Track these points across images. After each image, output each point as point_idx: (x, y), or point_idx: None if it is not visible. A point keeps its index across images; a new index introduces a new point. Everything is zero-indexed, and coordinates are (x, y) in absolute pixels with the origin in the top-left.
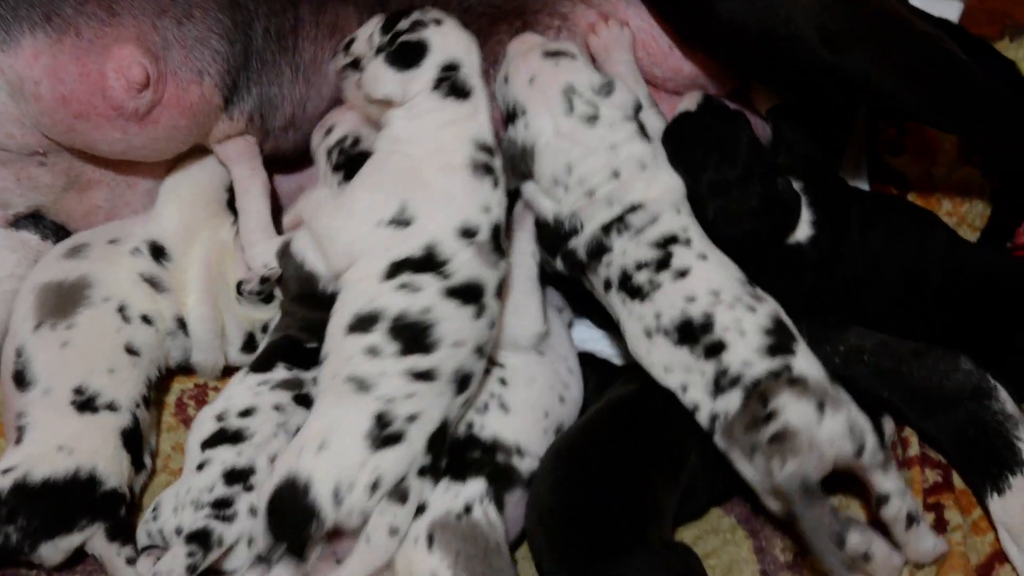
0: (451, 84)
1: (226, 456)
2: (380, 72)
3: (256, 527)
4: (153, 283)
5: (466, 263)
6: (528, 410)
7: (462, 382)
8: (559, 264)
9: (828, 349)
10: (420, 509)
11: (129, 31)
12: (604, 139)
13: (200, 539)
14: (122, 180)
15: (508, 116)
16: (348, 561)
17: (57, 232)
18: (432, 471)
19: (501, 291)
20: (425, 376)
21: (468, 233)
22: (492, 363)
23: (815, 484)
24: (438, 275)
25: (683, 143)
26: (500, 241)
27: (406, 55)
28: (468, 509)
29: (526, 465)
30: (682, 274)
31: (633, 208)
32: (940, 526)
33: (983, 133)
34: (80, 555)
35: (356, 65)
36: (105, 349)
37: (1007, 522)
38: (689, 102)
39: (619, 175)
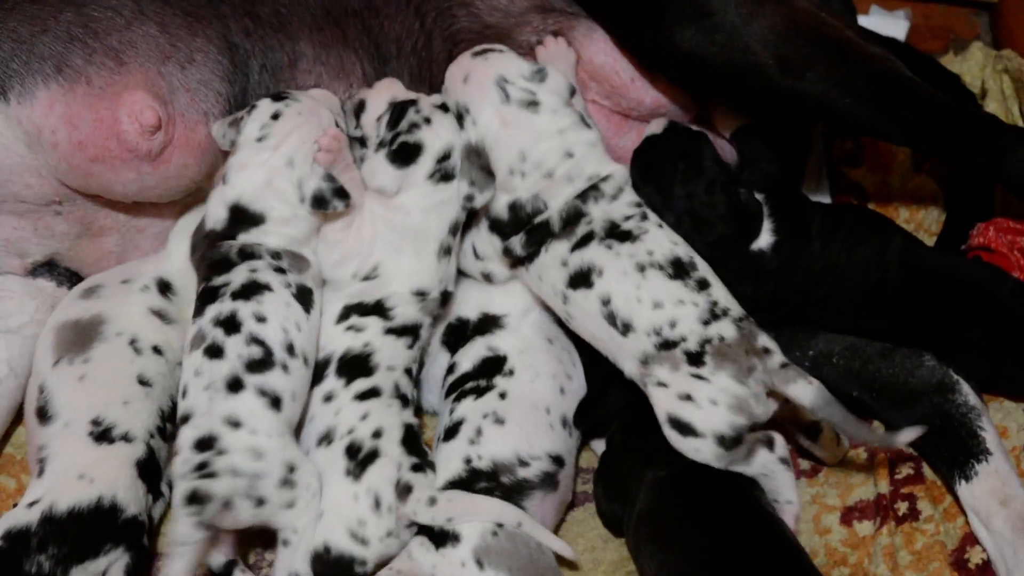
0: (442, 173)
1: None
2: (380, 167)
3: None
4: (161, 316)
5: (407, 312)
6: (528, 413)
7: (403, 399)
8: (517, 243)
9: (798, 354)
10: (456, 539)
11: (137, 78)
12: (551, 124)
13: (194, 499)
14: (132, 226)
15: (458, 118)
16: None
17: (71, 278)
18: (427, 465)
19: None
20: (370, 394)
21: (421, 294)
22: (495, 372)
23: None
24: (381, 317)
25: (652, 162)
26: (446, 299)
27: (404, 154)
28: (500, 525)
29: (533, 470)
30: (660, 225)
31: (603, 178)
32: (913, 516)
33: (931, 145)
34: None
35: (363, 142)
36: (119, 381)
37: (975, 506)
38: (655, 126)
39: (572, 155)
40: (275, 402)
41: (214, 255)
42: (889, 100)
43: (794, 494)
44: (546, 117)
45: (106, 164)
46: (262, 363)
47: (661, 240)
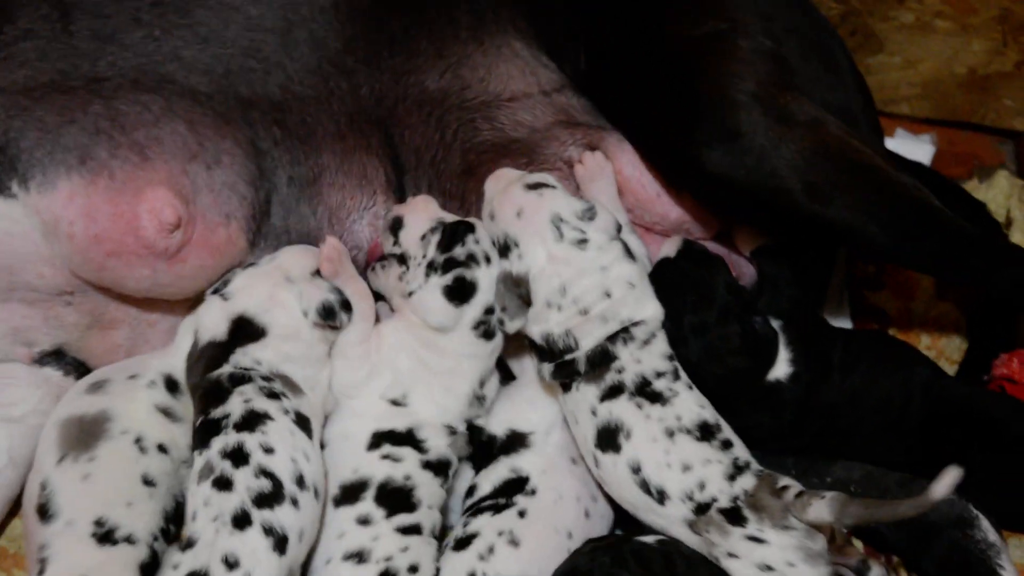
0: (486, 328)
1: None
2: (436, 302)
3: None
4: (167, 413)
5: (440, 446)
6: (547, 536)
7: (437, 539)
8: (547, 372)
9: (815, 481)
10: None
11: (160, 174)
12: (595, 261)
13: None
14: (143, 319)
15: (500, 250)
16: None
17: (78, 368)
18: None
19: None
20: (412, 530)
21: (451, 431)
22: (516, 492)
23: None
24: (416, 449)
25: (662, 288)
26: (475, 436)
27: (461, 291)
28: None
29: None
30: (690, 387)
31: (635, 323)
32: None
33: (957, 275)
34: None
35: (402, 260)
36: (123, 481)
37: None
38: (669, 248)
39: (611, 294)
40: (281, 543)
41: (205, 383)
42: (916, 230)
43: None
44: (592, 253)
45: (121, 259)
46: (272, 497)
47: (690, 404)
